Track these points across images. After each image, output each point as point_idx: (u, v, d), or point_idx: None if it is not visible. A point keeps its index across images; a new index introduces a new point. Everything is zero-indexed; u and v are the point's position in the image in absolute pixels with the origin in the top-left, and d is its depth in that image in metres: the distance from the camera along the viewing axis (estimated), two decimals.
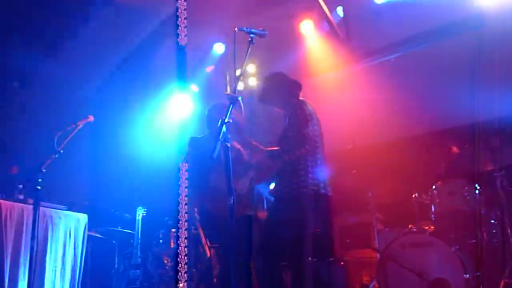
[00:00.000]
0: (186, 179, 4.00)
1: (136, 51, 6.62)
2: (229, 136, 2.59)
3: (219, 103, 4.14)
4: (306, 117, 3.48)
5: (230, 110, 2.67)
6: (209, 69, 6.68)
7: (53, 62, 5.96)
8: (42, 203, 3.69)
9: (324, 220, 3.62)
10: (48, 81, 6.15)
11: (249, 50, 2.89)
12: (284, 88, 3.72)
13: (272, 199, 3.82)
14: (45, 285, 3.98)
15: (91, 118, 4.05)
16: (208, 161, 2.53)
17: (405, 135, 5.58)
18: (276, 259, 3.50)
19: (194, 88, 6.69)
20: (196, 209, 5.06)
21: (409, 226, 4.45)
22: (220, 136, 2.55)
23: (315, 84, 6.02)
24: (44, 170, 3.57)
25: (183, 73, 3.46)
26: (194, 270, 4.94)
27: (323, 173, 3.55)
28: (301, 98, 3.67)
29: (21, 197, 3.97)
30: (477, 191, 4.20)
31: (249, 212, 3.88)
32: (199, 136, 4.18)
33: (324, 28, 5.88)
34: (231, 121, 2.61)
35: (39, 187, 3.53)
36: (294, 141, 3.44)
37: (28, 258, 3.62)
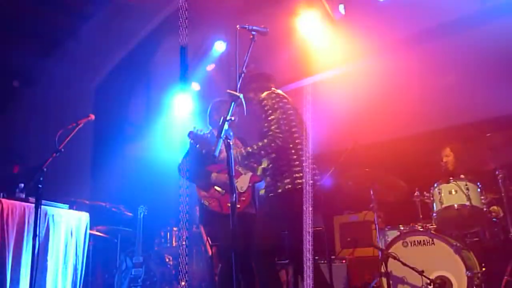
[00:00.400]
0: (187, 176, 4.00)
1: (137, 50, 6.62)
2: (231, 134, 2.58)
3: (220, 99, 4.14)
4: (276, 110, 3.38)
5: (232, 108, 2.66)
6: (210, 67, 6.66)
7: (54, 61, 5.96)
8: (43, 201, 3.68)
9: (315, 212, 3.56)
10: (49, 80, 6.15)
11: (251, 48, 2.88)
12: (252, 84, 3.64)
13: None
14: (47, 284, 3.97)
15: (92, 117, 4.04)
16: (209, 157, 2.51)
17: (406, 134, 5.58)
18: (273, 257, 3.47)
19: (195, 86, 6.68)
20: (197, 208, 5.06)
21: (411, 224, 4.45)
22: (222, 134, 2.54)
23: (316, 83, 6.01)
24: (45, 169, 3.56)
25: (184, 71, 3.45)
26: (195, 268, 4.95)
27: (305, 164, 3.48)
28: (274, 91, 3.55)
29: (23, 195, 3.95)
30: (478, 189, 4.19)
31: (251, 211, 3.87)
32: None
33: (325, 25, 5.86)
34: (233, 118, 2.60)
35: (40, 186, 3.52)
36: (265, 135, 3.35)
37: (29, 257, 3.61)
